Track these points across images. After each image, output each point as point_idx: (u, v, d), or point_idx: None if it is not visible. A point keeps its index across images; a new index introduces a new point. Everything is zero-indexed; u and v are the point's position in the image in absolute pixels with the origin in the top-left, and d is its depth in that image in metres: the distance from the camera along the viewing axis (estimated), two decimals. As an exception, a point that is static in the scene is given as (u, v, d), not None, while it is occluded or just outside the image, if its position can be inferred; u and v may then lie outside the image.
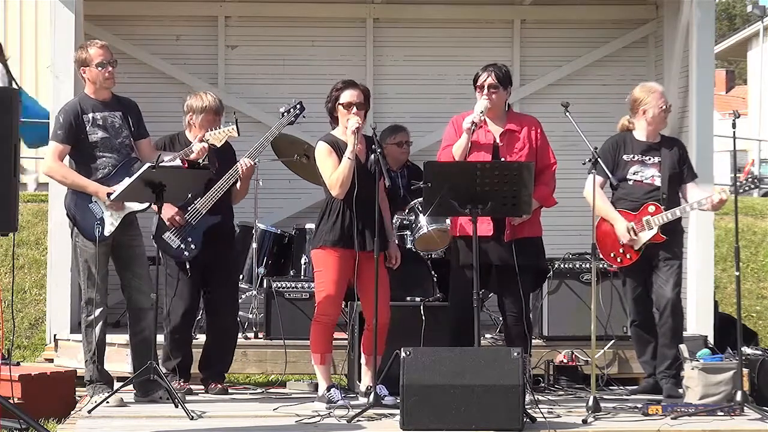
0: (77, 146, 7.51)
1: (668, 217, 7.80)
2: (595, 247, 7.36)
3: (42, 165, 7.86)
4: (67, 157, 7.60)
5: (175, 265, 7.89)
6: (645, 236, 7.83)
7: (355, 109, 7.43)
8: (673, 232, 7.91)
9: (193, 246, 7.83)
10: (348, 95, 7.47)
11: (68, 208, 7.54)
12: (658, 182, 7.91)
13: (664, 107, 8.00)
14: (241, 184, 7.97)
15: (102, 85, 7.57)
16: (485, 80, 7.63)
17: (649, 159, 7.95)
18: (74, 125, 7.48)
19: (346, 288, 7.45)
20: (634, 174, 7.94)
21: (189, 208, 7.83)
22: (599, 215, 7.87)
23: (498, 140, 7.65)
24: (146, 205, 7.45)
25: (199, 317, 8.43)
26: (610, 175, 7.72)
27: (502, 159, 7.55)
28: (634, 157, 7.96)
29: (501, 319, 8.40)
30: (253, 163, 7.93)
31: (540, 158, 7.65)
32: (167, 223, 7.79)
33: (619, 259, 7.95)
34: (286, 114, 8.14)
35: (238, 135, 7.82)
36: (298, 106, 8.14)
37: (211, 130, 7.79)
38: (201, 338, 8.23)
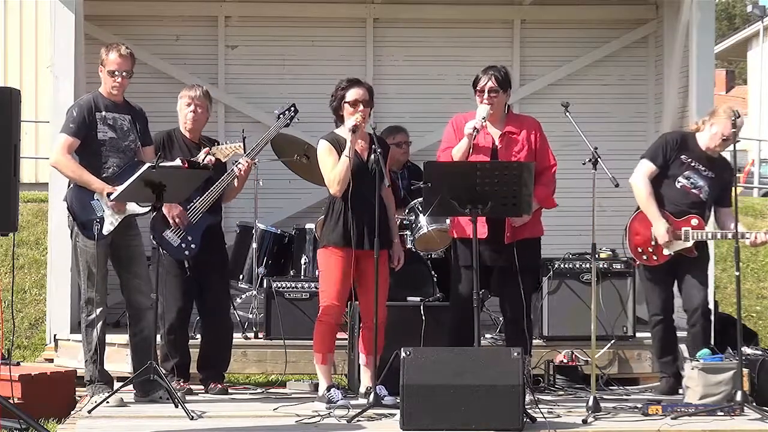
0: (85, 143, 7.53)
1: (708, 236, 7.83)
2: (595, 247, 7.35)
3: (50, 156, 7.85)
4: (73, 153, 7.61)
5: (173, 264, 7.88)
6: (679, 245, 7.84)
7: (361, 107, 7.44)
8: (702, 244, 7.95)
9: (193, 245, 7.84)
10: (353, 93, 7.48)
11: (69, 203, 7.55)
12: (704, 196, 7.89)
13: (725, 137, 7.78)
14: (238, 183, 7.99)
15: (110, 91, 7.60)
16: (485, 84, 7.62)
17: (705, 171, 7.91)
18: (87, 120, 7.51)
19: (350, 287, 7.45)
20: (686, 179, 7.91)
21: (188, 207, 7.84)
22: (641, 209, 7.93)
23: (497, 143, 7.65)
24: (148, 208, 7.44)
25: (197, 317, 8.43)
26: (610, 176, 7.71)
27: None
28: (692, 163, 7.91)
29: (501, 319, 8.41)
30: (251, 162, 7.94)
31: (540, 159, 7.63)
32: (170, 221, 7.80)
33: (645, 257, 7.94)
34: (281, 116, 8.17)
35: (245, 152, 7.87)
36: (292, 108, 8.18)
37: (217, 144, 7.90)
38: (199, 338, 8.23)
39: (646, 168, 7.96)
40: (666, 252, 7.87)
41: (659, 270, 7.97)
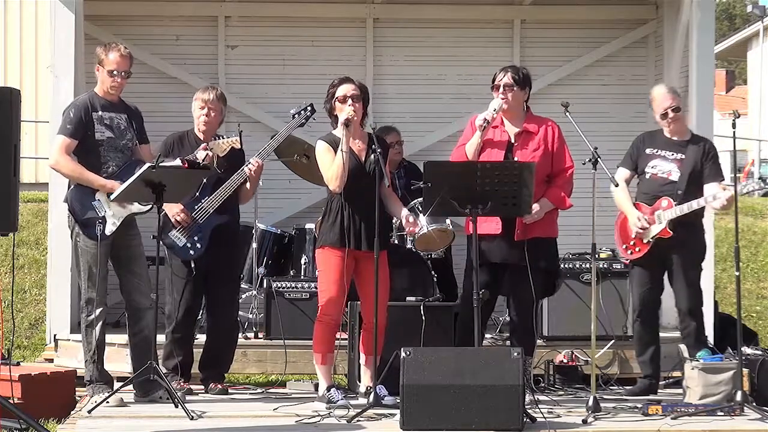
0: (83, 143, 7.52)
1: (676, 212, 7.82)
2: (595, 247, 7.37)
3: (49, 158, 7.85)
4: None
5: (180, 264, 7.89)
6: (654, 230, 7.86)
7: (350, 101, 7.44)
8: (693, 229, 7.93)
9: (199, 245, 7.83)
10: (343, 89, 7.49)
11: (70, 203, 7.54)
12: (674, 177, 7.93)
13: (665, 111, 7.97)
14: (250, 184, 7.98)
15: (107, 91, 7.60)
16: (501, 80, 7.64)
17: (672, 155, 7.98)
18: (84, 120, 7.50)
19: (348, 288, 7.46)
20: (651, 168, 8.00)
21: (196, 207, 7.84)
22: (619, 208, 8.04)
23: (513, 139, 7.65)
24: (149, 207, 7.44)
25: (199, 317, 8.43)
26: (610, 176, 7.73)
27: (515, 158, 7.55)
28: (656, 151, 8.02)
29: (501, 319, 8.40)
30: (262, 162, 7.93)
31: (556, 161, 7.65)
32: (172, 222, 7.80)
33: (629, 252, 8.01)
34: (297, 116, 8.17)
35: (241, 146, 7.86)
36: (309, 108, 8.17)
37: (215, 139, 7.85)
38: (201, 338, 8.23)
39: (621, 174, 8.06)
40: (645, 240, 7.90)
41: (642, 263, 7.99)
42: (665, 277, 8.09)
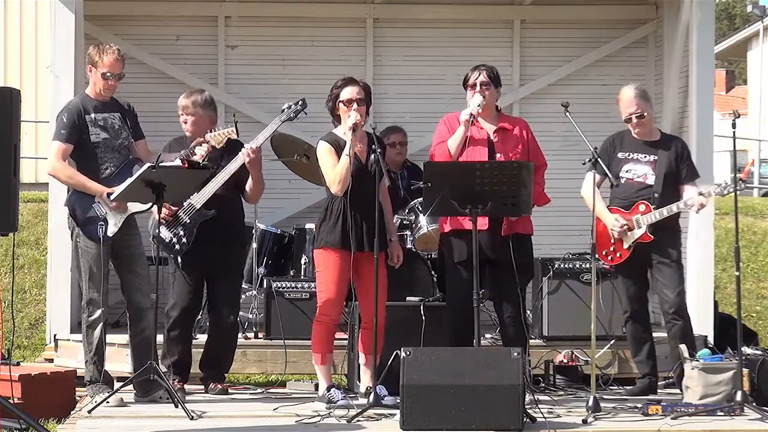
0: (79, 146, 7.50)
1: (656, 216, 7.79)
2: (594, 247, 7.37)
3: (46, 165, 7.84)
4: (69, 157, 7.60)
5: (171, 260, 7.88)
6: (634, 234, 7.84)
7: (355, 105, 7.44)
8: (669, 232, 7.90)
9: (184, 240, 7.81)
10: (348, 92, 7.48)
11: (71, 208, 7.53)
12: (650, 180, 7.90)
13: (629, 117, 7.92)
14: (253, 179, 7.88)
15: (100, 93, 7.58)
16: (477, 78, 7.66)
17: (645, 157, 7.94)
18: (78, 124, 7.49)
19: (347, 288, 7.46)
20: (626, 172, 7.95)
21: (185, 204, 7.81)
22: (596, 214, 7.93)
23: (492, 137, 7.67)
24: (149, 205, 7.43)
25: (199, 317, 8.43)
26: (609, 175, 7.72)
27: (498, 154, 7.59)
28: (628, 155, 7.96)
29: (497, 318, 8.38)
30: (255, 147, 7.77)
31: (533, 158, 7.66)
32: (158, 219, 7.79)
33: (610, 257, 7.98)
34: (286, 110, 8.10)
35: (238, 136, 7.83)
36: (300, 103, 8.12)
37: (211, 131, 7.81)
38: (201, 338, 8.23)
39: (589, 179, 7.83)
40: (626, 245, 7.88)
41: (624, 267, 7.97)
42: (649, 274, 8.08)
